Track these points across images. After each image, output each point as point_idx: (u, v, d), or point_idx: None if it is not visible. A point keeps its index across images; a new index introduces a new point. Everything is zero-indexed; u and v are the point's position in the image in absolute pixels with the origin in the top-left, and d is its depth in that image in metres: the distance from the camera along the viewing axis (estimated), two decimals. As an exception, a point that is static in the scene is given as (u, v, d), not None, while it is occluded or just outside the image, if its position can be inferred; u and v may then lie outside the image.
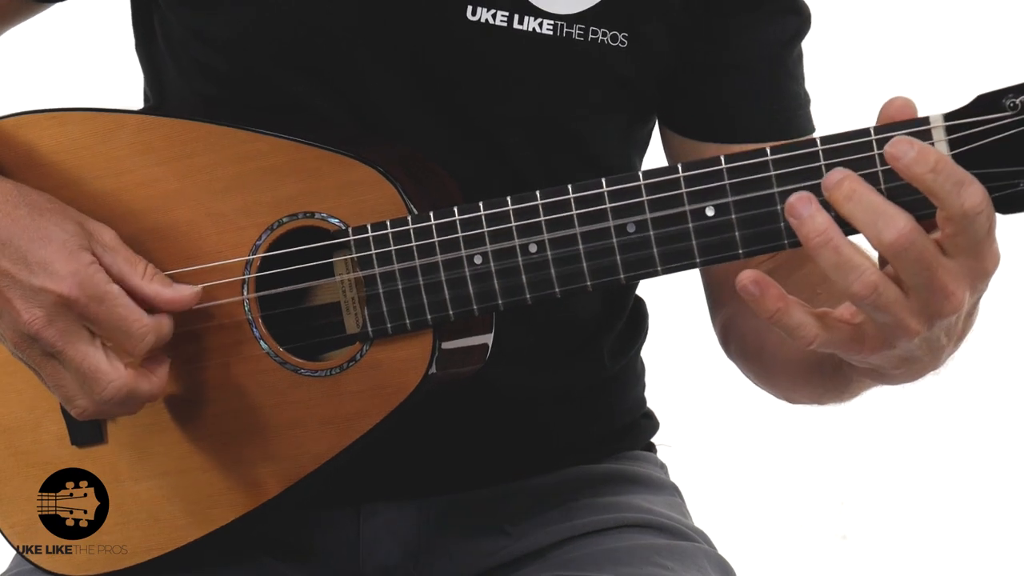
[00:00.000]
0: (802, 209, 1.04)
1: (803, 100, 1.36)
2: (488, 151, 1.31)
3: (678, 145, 1.37)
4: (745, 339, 1.34)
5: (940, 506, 2.92)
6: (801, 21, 1.34)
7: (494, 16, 1.26)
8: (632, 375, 1.46)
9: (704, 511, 1.57)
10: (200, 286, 1.22)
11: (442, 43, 1.27)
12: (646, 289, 1.48)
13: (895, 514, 2.90)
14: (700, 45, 1.31)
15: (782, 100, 1.34)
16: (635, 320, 1.45)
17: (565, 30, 1.26)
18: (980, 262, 1.05)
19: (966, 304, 1.06)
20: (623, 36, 1.27)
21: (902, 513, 2.90)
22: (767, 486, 2.95)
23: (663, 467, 1.49)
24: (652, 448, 1.49)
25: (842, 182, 1.04)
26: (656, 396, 1.51)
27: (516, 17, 1.26)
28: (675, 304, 2.23)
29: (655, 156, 1.40)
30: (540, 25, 1.26)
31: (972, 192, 1.02)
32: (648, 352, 1.49)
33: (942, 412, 3.11)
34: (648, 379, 1.49)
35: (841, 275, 1.04)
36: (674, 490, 1.47)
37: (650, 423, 1.49)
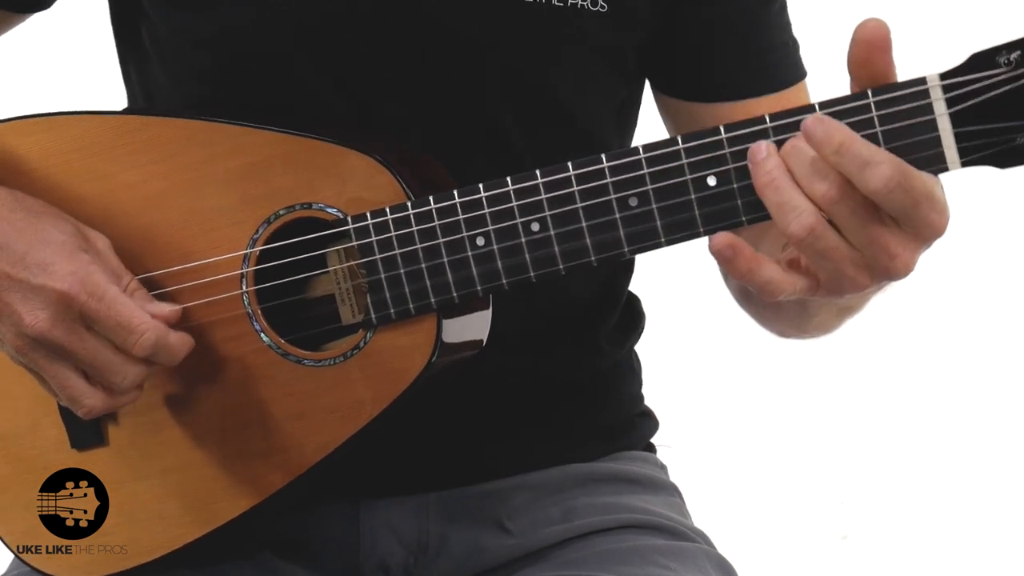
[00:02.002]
0: (758, 153, 1.09)
1: (790, 48, 1.37)
2: (482, 129, 1.31)
3: (676, 109, 1.38)
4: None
5: (940, 506, 2.92)
6: None
7: None
8: (629, 370, 1.46)
9: (704, 511, 1.57)
10: (180, 306, 1.22)
11: (427, 18, 1.27)
12: (645, 289, 1.49)
13: (895, 514, 2.90)
14: (684, 7, 1.32)
15: (769, 53, 1.35)
16: (630, 314, 1.45)
17: None
18: (915, 229, 1.08)
19: (915, 265, 1.09)
20: (603, 1, 1.28)
21: (902, 513, 2.90)
22: (767, 486, 2.95)
23: (663, 467, 1.49)
24: (652, 449, 1.49)
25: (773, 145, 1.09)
26: (656, 396, 1.51)
27: None
28: (675, 304, 2.23)
29: (647, 132, 1.41)
30: None
31: (875, 174, 1.05)
32: (647, 352, 1.49)
33: (942, 412, 3.12)
34: (648, 379, 1.49)
35: (781, 215, 1.08)
36: (674, 490, 1.47)
37: (649, 423, 1.49)
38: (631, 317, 1.46)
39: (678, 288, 1.46)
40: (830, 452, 3.02)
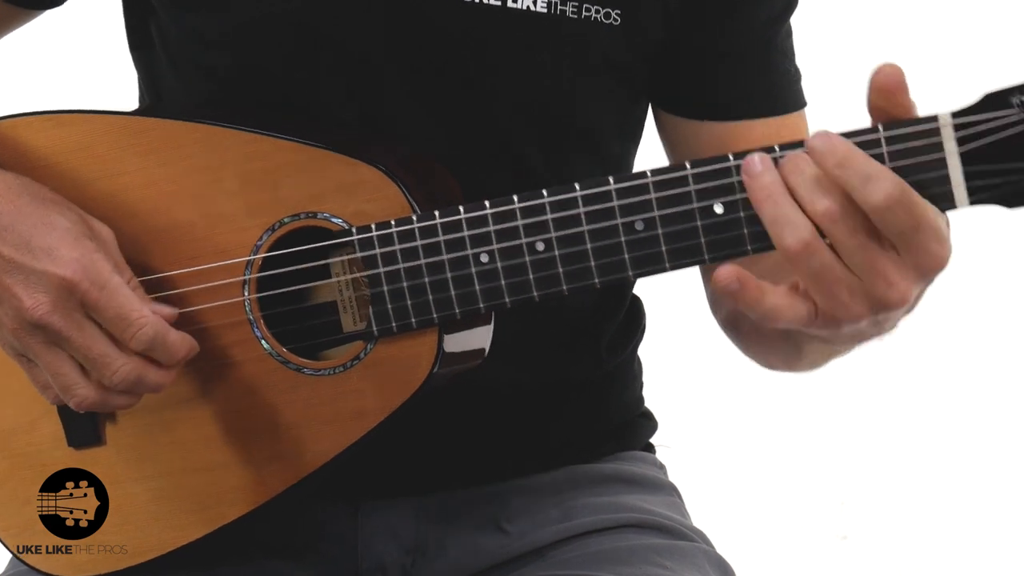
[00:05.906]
0: (753, 167, 1.07)
1: (794, 76, 1.37)
2: (493, 140, 1.30)
3: (673, 126, 1.38)
4: (729, 314, 1.36)
5: (940, 506, 2.92)
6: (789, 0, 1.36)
7: None
8: (629, 373, 1.46)
9: (704, 511, 1.57)
10: (177, 310, 1.21)
11: (440, 29, 1.27)
12: (644, 288, 1.48)
13: (895, 514, 2.91)
14: (692, 27, 1.32)
15: (774, 77, 1.35)
16: (632, 317, 1.45)
17: (559, 8, 1.27)
18: (914, 257, 1.06)
19: (911, 298, 1.07)
20: (616, 14, 1.28)
21: (902, 513, 2.91)
22: (767, 486, 2.96)
23: (662, 467, 1.49)
24: (651, 449, 1.49)
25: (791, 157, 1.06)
26: (655, 396, 1.51)
27: None
28: (675, 304, 2.23)
29: (650, 147, 1.41)
30: (534, 3, 1.27)
31: (877, 188, 1.03)
32: (647, 352, 1.49)
33: (941, 412, 3.12)
34: (647, 379, 1.49)
35: (777, 229, 1.07)
36: (672, 490, 1.47)
37: (648, 423, 1.49)
38: (632, 319, 1.46)
39: (677, 287, 1.45)
40: (830, 452, 3.03)
